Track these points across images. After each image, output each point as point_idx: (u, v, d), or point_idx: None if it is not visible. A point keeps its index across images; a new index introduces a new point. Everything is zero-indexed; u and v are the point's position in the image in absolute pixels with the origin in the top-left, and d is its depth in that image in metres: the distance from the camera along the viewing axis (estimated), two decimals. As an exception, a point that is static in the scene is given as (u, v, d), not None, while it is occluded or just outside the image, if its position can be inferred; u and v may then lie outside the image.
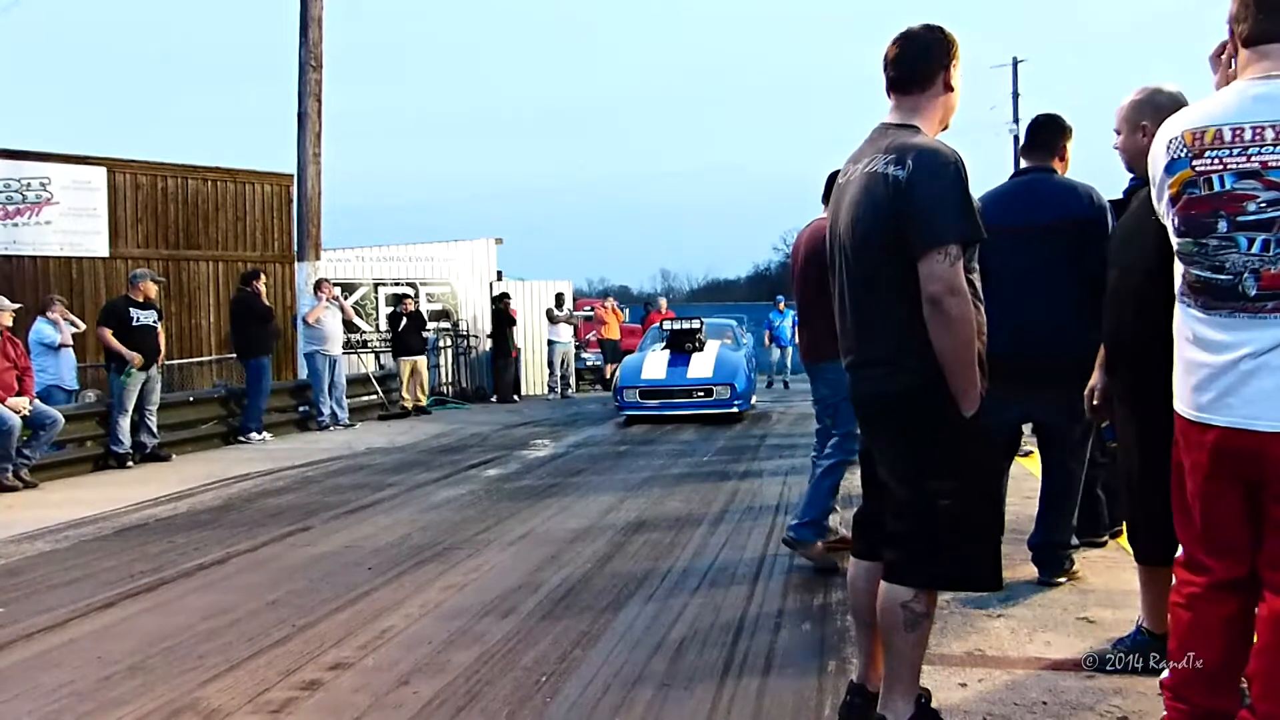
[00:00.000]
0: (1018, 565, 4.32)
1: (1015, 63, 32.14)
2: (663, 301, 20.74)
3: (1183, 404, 2.31)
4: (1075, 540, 4.32)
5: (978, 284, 2.58)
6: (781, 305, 19.15)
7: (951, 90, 2.65)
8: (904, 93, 2.64)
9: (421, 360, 14.26)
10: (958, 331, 2.42)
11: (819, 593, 4.29)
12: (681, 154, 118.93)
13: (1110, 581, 4.17)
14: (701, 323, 13.02)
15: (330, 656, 3.64)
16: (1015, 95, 32.01)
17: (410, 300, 14.53)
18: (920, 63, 2.62)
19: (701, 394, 11.66)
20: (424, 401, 14.17)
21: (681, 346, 12.48)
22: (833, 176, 5.29)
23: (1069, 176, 4.20)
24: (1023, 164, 4.27)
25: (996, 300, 3.96)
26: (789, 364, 18.69)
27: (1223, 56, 2.39)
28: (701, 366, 11.98)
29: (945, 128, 2.70)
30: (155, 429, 9.44)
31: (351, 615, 4.15)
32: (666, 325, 13.12)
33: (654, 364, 12.13)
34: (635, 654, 3.58)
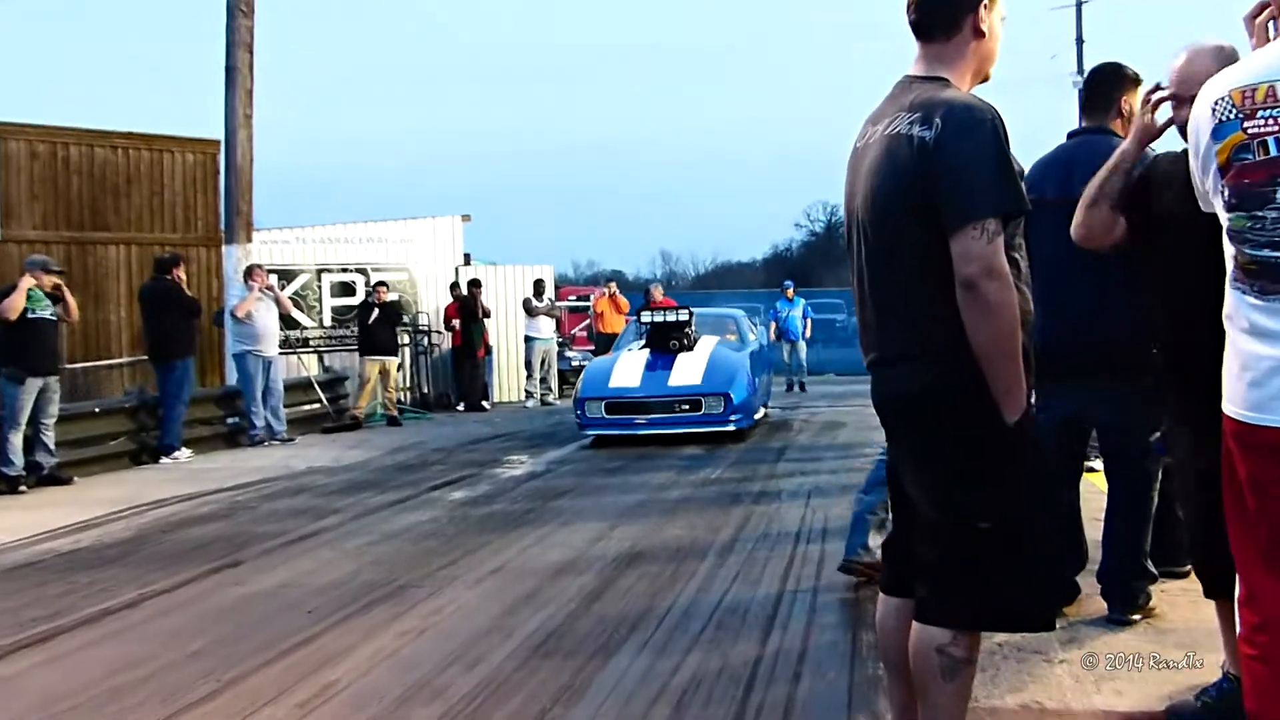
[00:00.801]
0: (1084, 600, 4.33)
1: (1079, 3, 32.18)
2: (658, 289, 20.36)
3: (1235, 404, 2.30)
4: (1152, 569, 4.32)
5: (1022, 264, 2.58)
6: (790, 292, 18.93)
7: (983, 37, 2.63)
8: (927, 39, 2.64)
9: (394, 361, 14.30)
10: (997, 320, 2.41)
11: (846, 634, 4.30)
12: (685, 112, 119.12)
13: (1192, 618, 4.17)
14: (691, 313, 11.99)
15: (263, 716, 3.62)
16: (1079, 42, 31.98)
17: (384, 288, 14.53)
18: (943, 3, 2.62)
19: (686, 407, 10.80)
20: (394, 410, 14.18)
21: (665, 345, 11.59)
22: None
23: None
24: (1081, 124, 4.28)
25: (1039, 283, 4.02)
26: (804, 362, 18.61)
27: (1258, 20, 2.43)
28: (688, 371, 11.10)
29: (984, 79, 2.70)
30: (53, 446, 9.42)
31: (288, 667, 4.14)
32: (645, 317, 12.25)
33: (627, 368, 11.34)
34: (627, 711, 3.57)
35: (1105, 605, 4.25)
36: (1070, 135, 4.32)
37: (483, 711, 3.61)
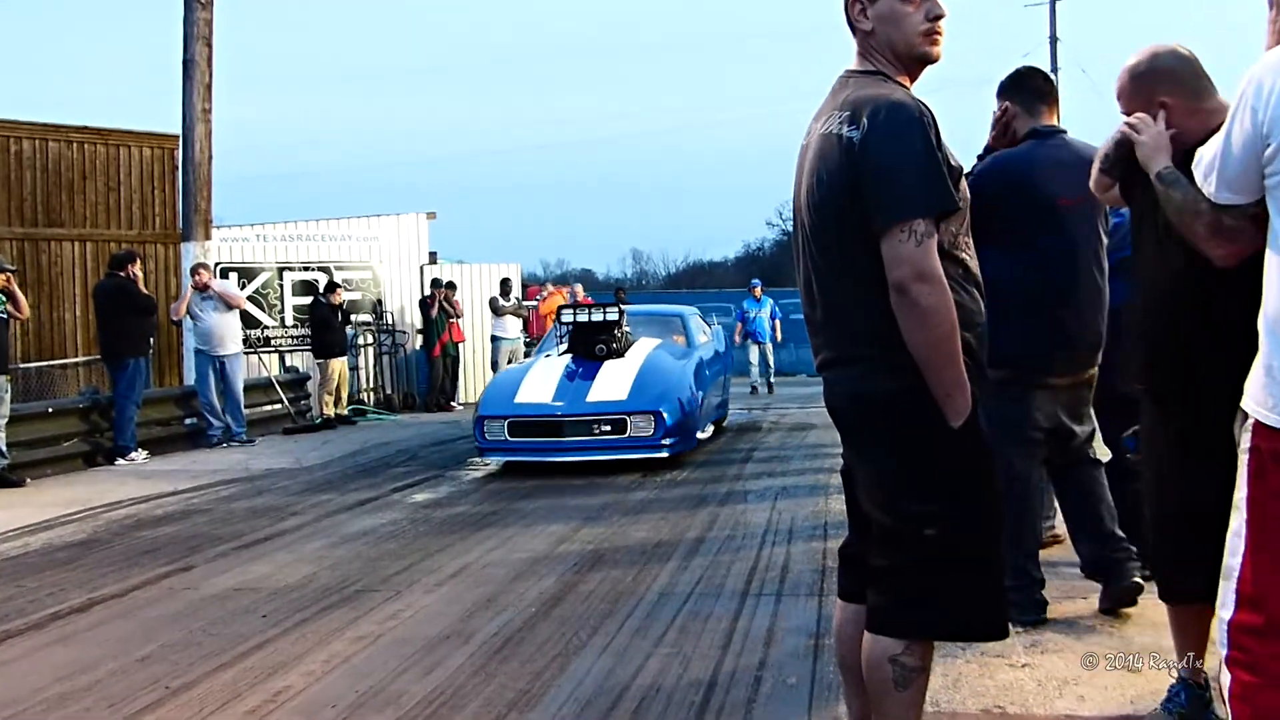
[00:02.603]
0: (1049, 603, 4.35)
1: (1053, 1, 32.45)
2: (578, 288, 19.11)
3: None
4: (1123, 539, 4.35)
5: (971, 263, 2.59)
6: (758, 292, 18.67)
7: (866, 17, 2.56)
8: (852, 32, 2.63)
9: (342, 361, 14.28)
10: (931, 324, 2.40)
11: (808, 638, 4.30)
12: (657, 109, 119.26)
13: (1158, 620, 4.18)
14: (622, 311, 10.43)
15: (211, 725, 3.59)
16: (1053, 40, 32.31)
17: (341, 289, 14.46)
18: None
19: (607, 428, 9.02)
20: (345, 410, 14.16)
21: (590, 350, 9.93)
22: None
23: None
24: (1043, 122, 4.30)
25: (1073, 293, 4.11)
26: (771, 363, 18.44)
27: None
28: (613, 383, 9.35)
29: (919, 62, 2.60)
30: (4, 447, 9.32)
31: (240, 673, 4.11)
32: (565, 316, 10.49)
33: (540, 378, 9.63)
34: (585, 716, 3.57)
35: (1075, 608, 4.27)
36: (1051, 133, 4.29)
37: (438, 717, 3.59)
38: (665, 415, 9.04)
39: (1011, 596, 4.16)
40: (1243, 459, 2.31)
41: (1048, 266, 4.11)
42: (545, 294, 18.79)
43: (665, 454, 9.04)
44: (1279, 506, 2.24)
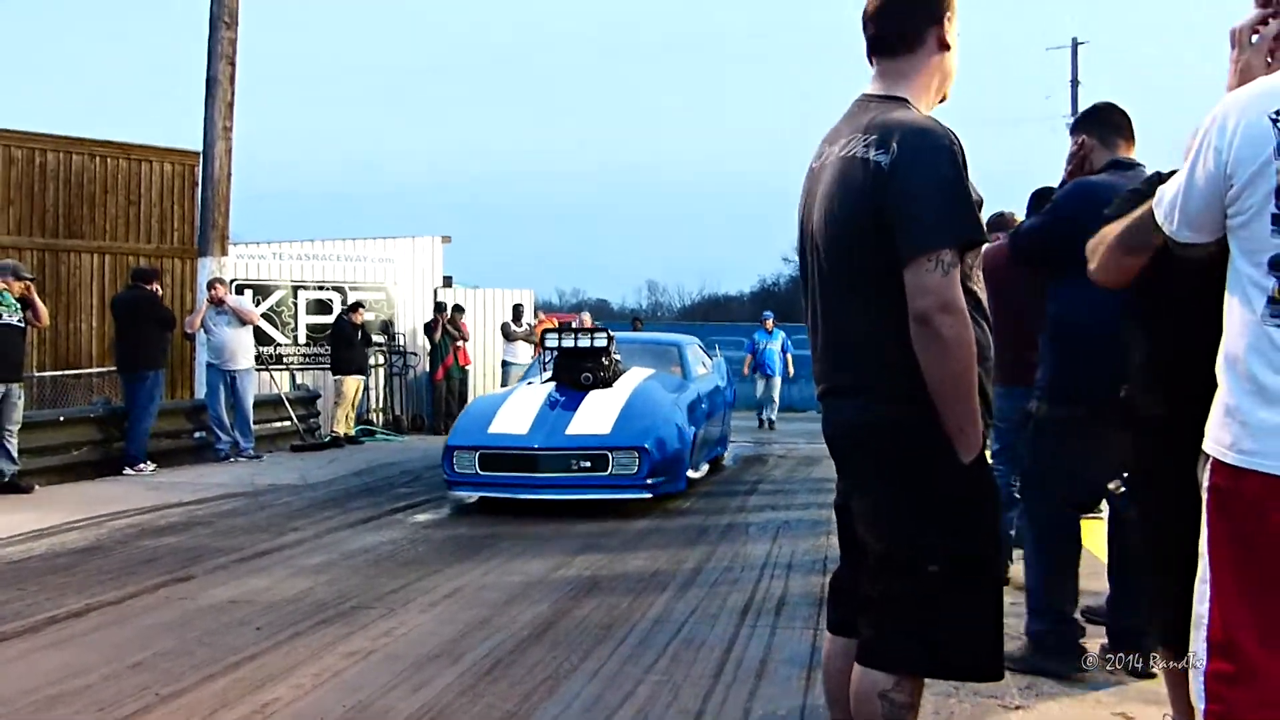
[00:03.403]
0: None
1: (1075, 45, 32.57)
2: (585, 316, 18.93)
3: (1245, 450, 2.18)
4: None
5: (981, 295, 2.55)
6: (770, 324, 18.47)
7: (948, 49, 2.59)
8: (889, 55, 2.59)
9: (359, 381, 14.35)
10: (952, 356, 2.37)
11: (801, 670, 4.28)
12: (675, 140, 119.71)
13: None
14: (610, 339, 9.57)
15: (197, 733, 3.60)
16: (1074, 83, 32.40)
17: (360, 309, 14.55)
18: (907, 16, 2.57)
19: (587, 464, 8.26)
20: (352, 430, 14.19)
21: (575, 379, 9.24)
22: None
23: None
24: (1114, 155, 4.21)
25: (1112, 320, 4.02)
26: (776, 398, 18.14)
27: (1262, 32, 2.37)
28: (595, 415, 8.59)
29: (943, 99, 2.65)
30: (15, 454, 9.35)
31: (230, 683, 4.11)
32: (550, 341, 9.72)
33: (517, 408, 8.83)
34: (570, 740, 3.56)
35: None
36: (1122, 164, 4.18)
37: (423, 735, 3.59)
38: (651, 452, 8.23)
39: (1049, 642, 4.11)
40: (1205, 500, 2.27)
41: (1112, 304, 3.99)
42: (536, 321, 18.80)
43: (649, 495, 8.25)
44: (1240, 549, 2.20)
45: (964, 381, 2.39)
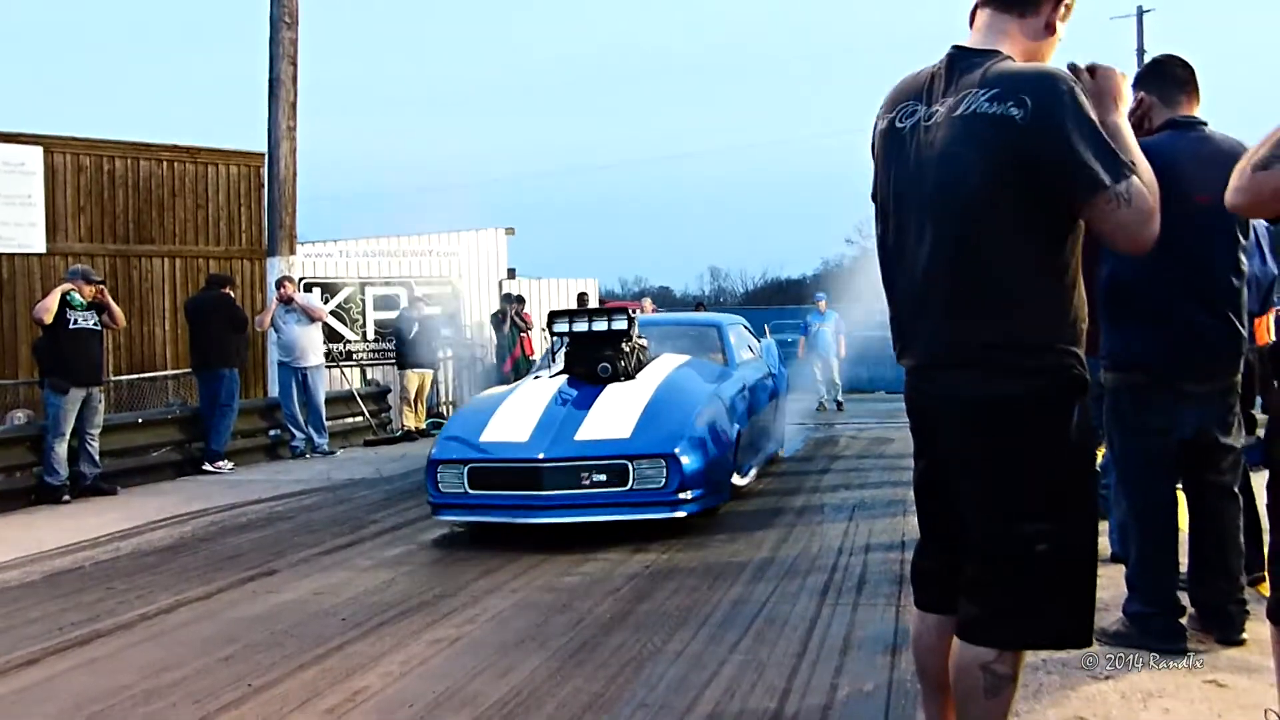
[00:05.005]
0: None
1: (1140, 13, 31.89)
2: (646, 302, 18.70)
3: None
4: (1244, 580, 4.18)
5: (1074, 262, 2.48)
6: (823, 305, 18.12)
7: (1053, 34, 2.54)
8: (1003, 9, 2.54)
9: (429, 374, 14.44)
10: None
11: (885, 647, 4.27)
12: (734, 125, 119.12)
13: (1249, 633, 4.09)
14: (632, 320, 7.87)
15: (291, 722, 3.67)
16: (1140, 52, 31.68)
17: (424, 303, 14.68)
18: None
19: (602, 477, 6.60)
20: (423, 423, 14.32)
21: (590, 370, 7.61)
22: None
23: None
24: (1182, 113, 4.08)
25: (1208, 296, 3.92)
26: (838, 379, 17.83)
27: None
28: (612, 415, 6.96)
29: None
30: (97, 457, 9.57)
31: (319, 673, 4.19)
32: (559, 326, 7.97)
33: (519, 408, 7.21)
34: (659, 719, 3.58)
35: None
36: (1185, 124, 4.08)
37: (513, 718, 3.63)
38: (682, 460, 6.58)
39: (1153, 625, 4.04)
40: None
41: (1180, 266, 3.86)
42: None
43: (683, 513, 6.64)
44: None
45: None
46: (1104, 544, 5.40)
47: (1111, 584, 4.71)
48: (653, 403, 7.07)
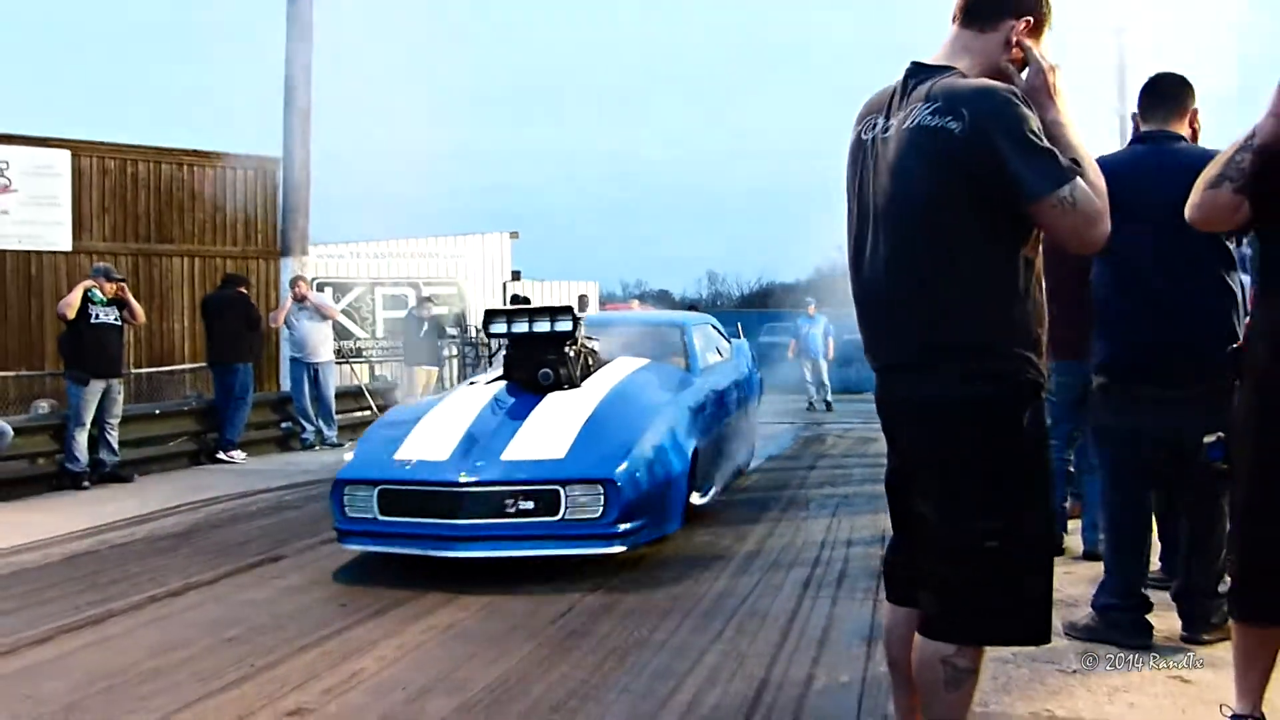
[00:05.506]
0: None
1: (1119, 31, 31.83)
2: (634, 303, 19.12)
3: None
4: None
5: (1037, 264, 2.48)
6: (812, 309, 18.19)
7: (1008, 48, 2.51)
8: (964, 25, 2.54)
9: (435, 371, 14.43)
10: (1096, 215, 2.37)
11: (862, 641, 4.25)
12: (735, 133, 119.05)
13: (1219, 632, 4.06)
14: (577, 321, 6.51)
15: (290, 701, 3.66)
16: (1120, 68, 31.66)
17: (431, 303, 14.65)
18: None
19: (528, 504, 5.40)
20: None
21: (531, 376, 6.41)
22: None
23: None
24: (1163, 128, 4.01)
25: (1133, 291, 3.91)
26: (825, 380, 17.87)
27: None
28: (545, 432, 5.76)
29: None
30: (116, 445, 9.56)
31: (319, 656, 4.19)
32: (496, 327, 6.59)
33: (442, 422, 6.00)
34: (642, 707, 3.58)
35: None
36: (1137, 139, 4.08)
37: (500, 703, 3.62)
38: (621, 485, 5.40)
39: (1119, 618, 4.03)
40: None
41: (1135, 277, 3.86)
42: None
43: (620, 548, 5.48)
44: None
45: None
46: (1075, 542, 5.44)
47: (1081, 581, 4.73)
48: (595, 416, 5.87)
